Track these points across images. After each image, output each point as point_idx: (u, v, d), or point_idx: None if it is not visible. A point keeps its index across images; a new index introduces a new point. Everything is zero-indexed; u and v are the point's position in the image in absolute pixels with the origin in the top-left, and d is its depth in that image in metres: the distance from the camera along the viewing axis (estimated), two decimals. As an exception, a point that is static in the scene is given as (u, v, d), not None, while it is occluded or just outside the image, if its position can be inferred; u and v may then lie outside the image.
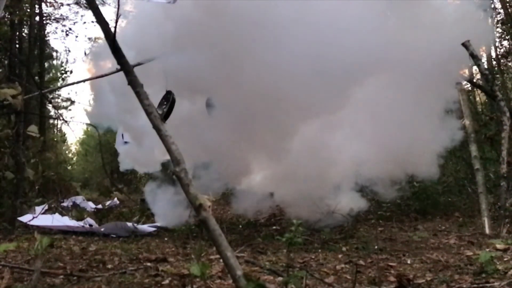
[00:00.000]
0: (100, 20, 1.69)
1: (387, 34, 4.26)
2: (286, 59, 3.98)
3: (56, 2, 13.06)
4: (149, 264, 3.23)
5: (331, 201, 4.85)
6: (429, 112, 5.02)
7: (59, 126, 22.76)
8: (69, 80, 20.64)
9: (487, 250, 3.38)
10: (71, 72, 19.61)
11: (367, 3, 4.14)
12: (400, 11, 4.48)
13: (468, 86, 6.89)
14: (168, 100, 3.59)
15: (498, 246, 3.39)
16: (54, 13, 13.82)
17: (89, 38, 16.21)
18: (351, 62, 4.04)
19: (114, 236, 4.85)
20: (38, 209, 5.70)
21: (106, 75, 2.37)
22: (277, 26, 3.97)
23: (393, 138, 4.79)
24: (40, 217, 5.10)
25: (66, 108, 21.17)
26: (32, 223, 4.88)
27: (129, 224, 5.06)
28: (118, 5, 1.66)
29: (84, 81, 4.47)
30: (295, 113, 4.34)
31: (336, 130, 4.85)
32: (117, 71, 1.73)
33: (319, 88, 4.16)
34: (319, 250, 3.75)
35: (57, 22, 13.99)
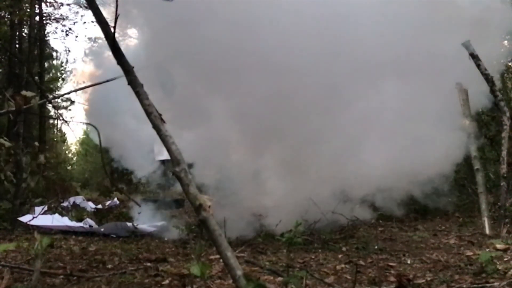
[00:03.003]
0: (100, 20, 1.69)
1: (403, 35, 4.23)
2: (293, 63, 3.99)
3: (56, 2, 13.07)
4: (149, 264, 3.23)
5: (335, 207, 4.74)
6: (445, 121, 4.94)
7: (59, 126, 22.81)
8: (69, 80, 20.65)
9: (487, 250, 3.38)
10: (71, 72, 19.65)
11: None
12: (417, 10, 4.42)
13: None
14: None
15: (498, 246, 3.40)
16: (54, 13, 13.84)
17: (89, 38, 16.25)
18: (363, 64, 4.03)
19: (114, 236, 4.85)
20: (38, 209, 5.69)
21: (110, 80, 2.36)
22: (285, 26, 3.97)
23: (406, 149, 4.70)
24: (40, 217, 5.10)
25: (66, 108, 21.22)
26: (32, 223, 4.88)
27: (129, 224, 5.06)
28: (117, 4, 1.65)
29: (88, 87, 4.47)
30: (305, 120, 4.35)
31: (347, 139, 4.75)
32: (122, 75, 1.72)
33: (329, 92, 4.16)
34: (319, 250, 3.74)
35: (57, 22, 14.01)
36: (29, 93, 2.23)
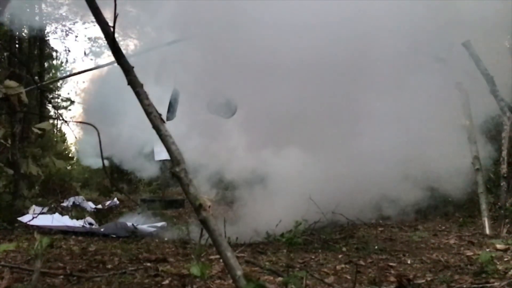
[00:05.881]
0: (100, 20, 1.69)
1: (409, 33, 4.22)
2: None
3: (56, 2, 13.06)
4: (149, 264, 3.23)
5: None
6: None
7: (59, 126, 22.78)
8: (69, 81, 20.66)
9: (487, 250, 3.39)
10: (71, 71, 19.63)
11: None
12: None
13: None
14: (175, 100, 3.60)
15: (498, 246, 3.40)
16: (54, 13, 13.82)
17: (89, 38, 16.25)
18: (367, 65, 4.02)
19: (114, 236, 4.84)
20: (38, 209, 5.69)
21: (103, 66, 2.36)
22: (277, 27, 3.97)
23: (410, 152, 4.68)
24: (40, 217, 5.09)
25: (66, 108, 21.22)
26: (32, 223, 4.88)
27: (129, 224, 5.05)
28: (115, 4, 1.65)
29: (82, 72, 4.43)
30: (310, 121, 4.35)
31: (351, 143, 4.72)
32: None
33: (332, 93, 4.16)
34: (319, 250, 3.74)
35: (57, 22, 13.99)
36: (12, 83, 2.20)
